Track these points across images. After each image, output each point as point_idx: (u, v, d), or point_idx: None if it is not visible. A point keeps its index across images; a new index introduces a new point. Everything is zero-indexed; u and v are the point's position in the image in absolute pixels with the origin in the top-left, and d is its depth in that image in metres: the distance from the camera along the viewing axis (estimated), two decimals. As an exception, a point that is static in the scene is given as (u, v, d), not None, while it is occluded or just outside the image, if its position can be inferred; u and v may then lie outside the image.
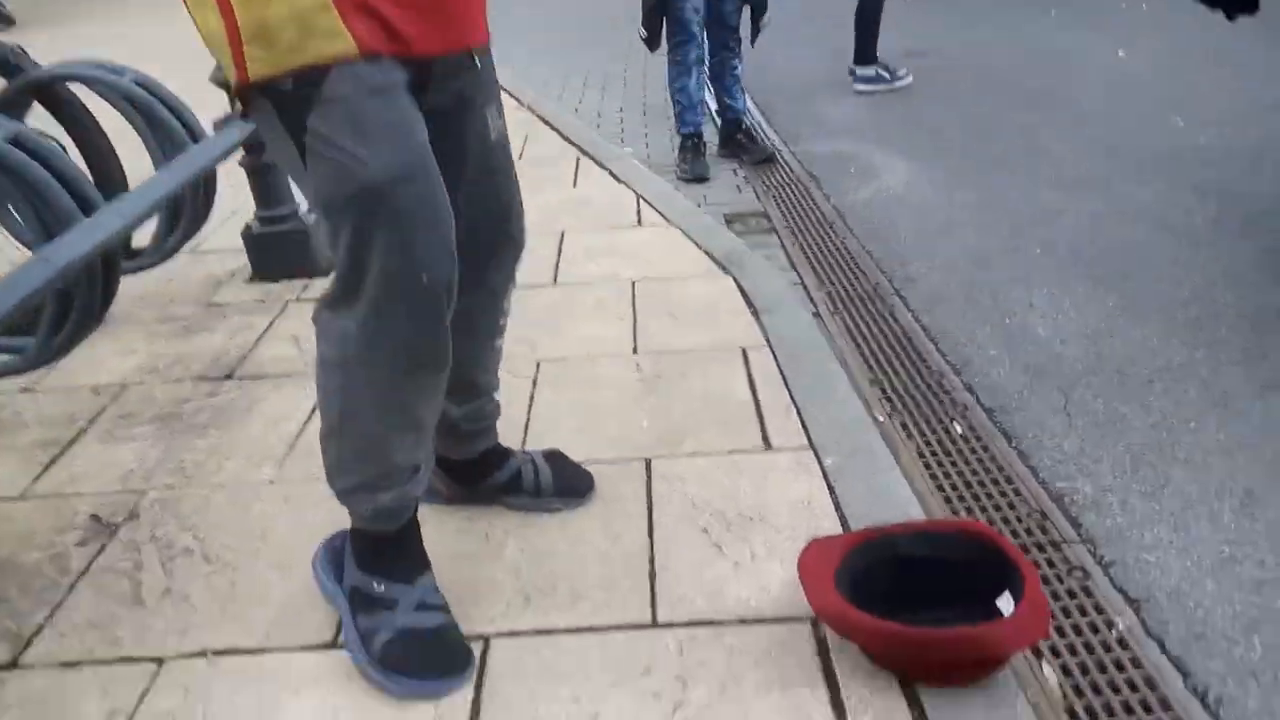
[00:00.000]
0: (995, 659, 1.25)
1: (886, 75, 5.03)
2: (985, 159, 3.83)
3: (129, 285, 2.81)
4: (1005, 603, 1.30)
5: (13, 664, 1.45)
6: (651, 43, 3.92)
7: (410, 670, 1.35)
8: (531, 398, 2.12)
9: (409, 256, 1.19)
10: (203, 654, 1.44)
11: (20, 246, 2.29)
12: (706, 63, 4.00)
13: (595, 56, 6.30)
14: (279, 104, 1.15)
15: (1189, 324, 2.43)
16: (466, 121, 1.35)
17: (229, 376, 2.28)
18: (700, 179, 3.86)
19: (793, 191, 3.71)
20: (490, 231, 1.46)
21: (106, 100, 2.31)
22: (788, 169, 3.97)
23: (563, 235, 3.08)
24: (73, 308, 1.89)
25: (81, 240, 1.77)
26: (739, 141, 4.13)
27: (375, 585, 1.41)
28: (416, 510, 1.44)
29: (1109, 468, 1.93)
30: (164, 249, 2.44)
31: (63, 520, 1.78)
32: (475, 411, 1.62)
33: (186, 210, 2.40)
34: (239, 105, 1.21)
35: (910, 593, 1.37)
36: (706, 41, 3.95)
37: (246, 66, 1.11)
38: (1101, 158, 3.70)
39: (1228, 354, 2.28)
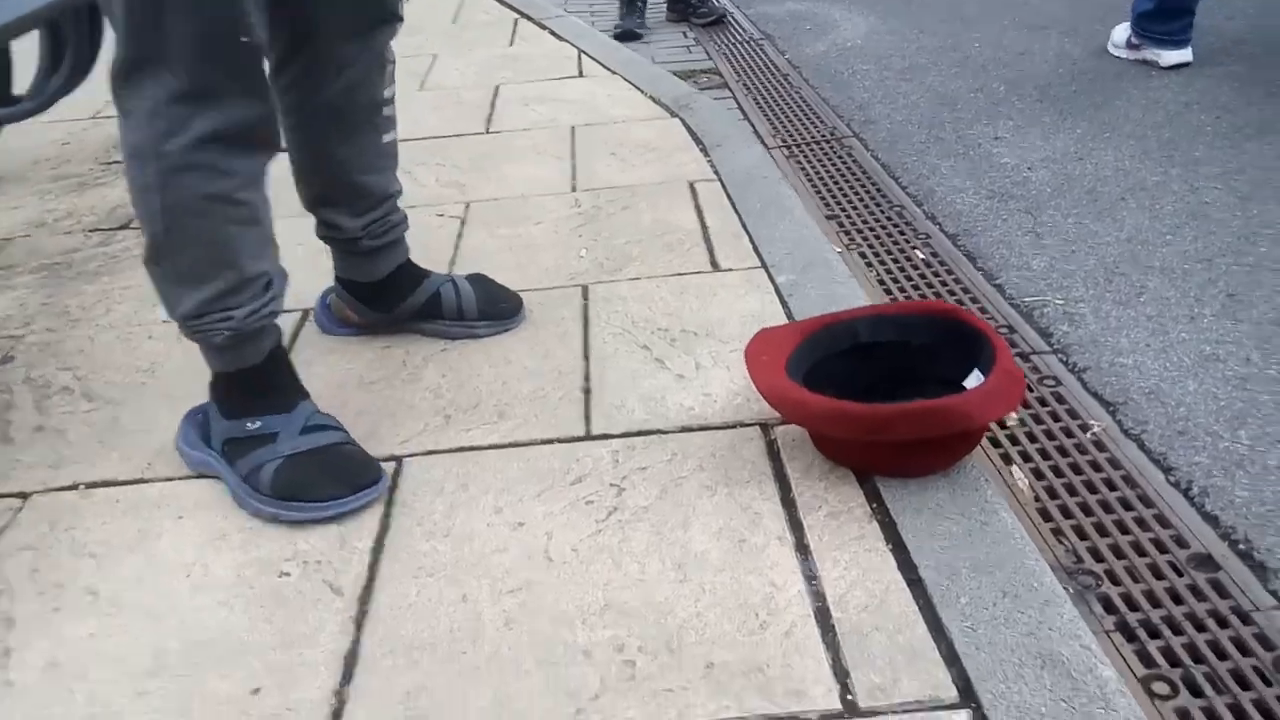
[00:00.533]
0: (962, 436, 1.11)
1: None
2: (948, 8, 3.62)
3: (20, 147, 2.56)
4: (975, 381, 1.16)
5: None
6: None
7: (310, 493, 1.18)
8: (459, 235, 1.94)
9: (219, 3, 1.00)
10: (74, 487, 1.27)
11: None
12: None
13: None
14: None
15: (1163, 145, 2.29)
16: None
17: (125, 226, 2.07)
18: (631, 36, 3.66)
19: (746, 50, 3.49)
20: (356, 7, 1.25)
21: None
22: (740, 30, 3.74)
23: (497, 88, 2.85)
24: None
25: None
26: (688, 2, 3.88)
27: (248, 425, 1.22)
28: (281, 341, 1.25)
29: (1081, 281, 1.80)
30: (47, 91, 2.19)
31: (-74, 367, 1.58)
32: (376, 223, 1.43)
33: (69, 45, 2.14)
34: None
35: (872, 384, 1.23)
36: None
37: None
38: (1070, 3, 3.50)
39: (1205, 170, 2.14)
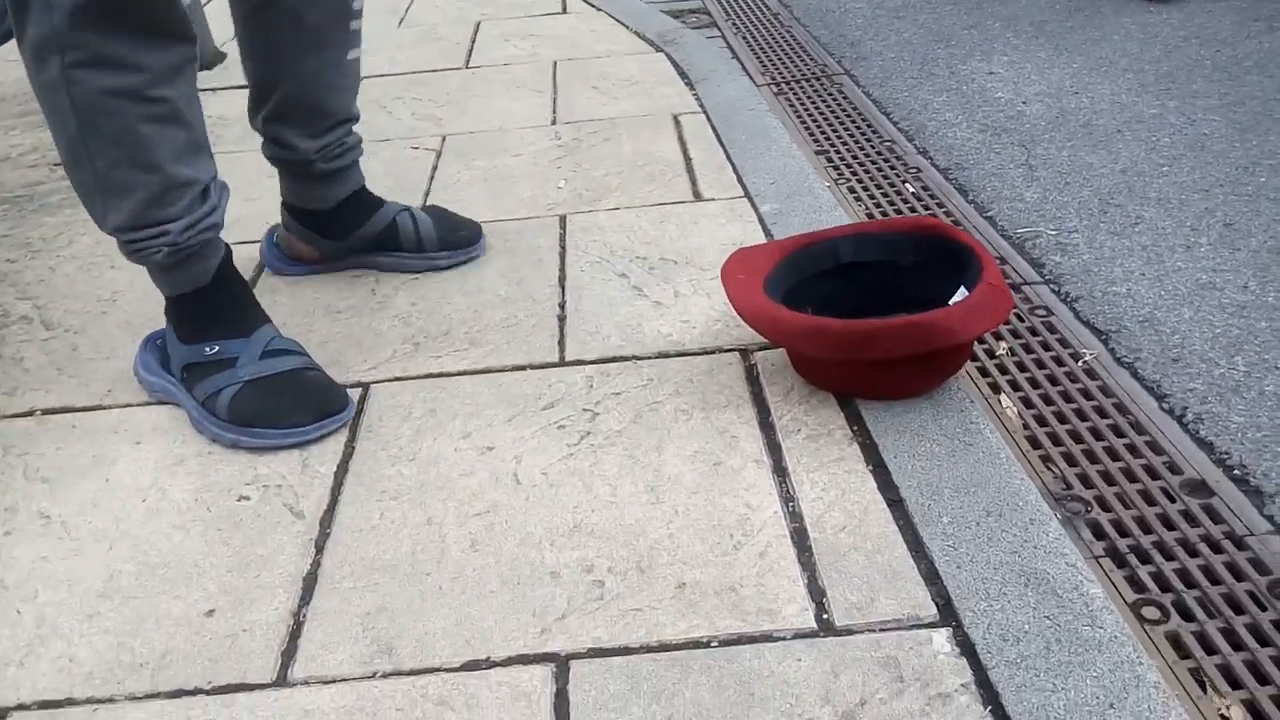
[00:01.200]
0: (947, 352, 1.07)
1: None
2: (943, -51, 3.53)
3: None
4: (960, 298, 1.11)
5: None
6: None
7: (271, 419, 1.13)
8: (434, 167, 1.88)
9: None
10: (30, 413, 1.23)
11: None
12: None
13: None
14: None
15: (1161, 78, 2.22)
16: None
17: (90, 161, 2.00)
18: None
19: (735, -12, 3.40)
20: None
21: None
22: (730, -32, 3.64)
23: (478, 25, 2.77)
24: None
25: None
26: None
27: (206, 349, 1.17)
28: (231, 260, 1.19)
29: (1075, 212, 1.75)
30: (6, 25, 2.11)
31: (-120, 298, 1.53)
32: (334, 145, 1.36)
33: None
34: None
35: (855, 305, 1.19)
36: None
37: None
38: (1067, -59, 3.41)
39: (1204, 103, 2.08)
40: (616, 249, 1.52)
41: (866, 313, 1.16)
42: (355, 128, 1.41)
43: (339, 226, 1.44)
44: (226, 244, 1.19)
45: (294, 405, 1.15)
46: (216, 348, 1.17)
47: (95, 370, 1.30)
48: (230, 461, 1.12)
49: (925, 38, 2.69)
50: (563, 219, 1.63)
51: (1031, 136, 2.04)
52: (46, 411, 1.23)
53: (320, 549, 0.98)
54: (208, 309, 1.18)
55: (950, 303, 1.13)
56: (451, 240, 1.48)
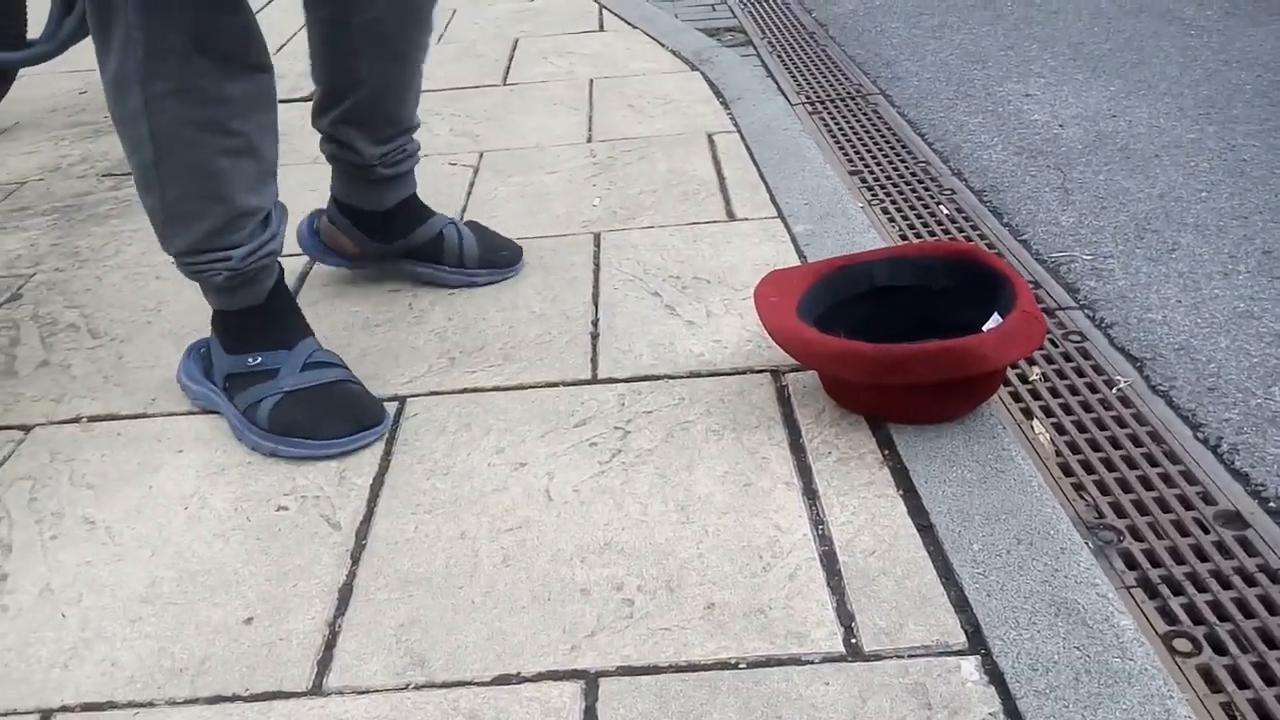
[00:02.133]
0: (980, 378, 1.07)
1: None
2: (980, -31, 3.53)
3: (38, 95, 2.55)
4: (994, 324, 1.12)
5: None
6: None
7: (309, 430, 1.15)
8: (471, 183, 1.90)
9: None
10: (77, 420, 1.26)
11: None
12: None
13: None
14: None
15: (1200, 102, 2.21)
16: None
17: (137, 172, 2.05)
18: None
19: (771, 6, 3.42)
20: None
21: None
22: (766, -13, 3.66)
23: (516, 42, 2.81)
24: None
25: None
26: None
27: (249, 360, 1.20)
28: (283, 277, 1.23)
29: (1111, 237, 1.74)
30: (60, 35, 2.17)
31: (-65, 303, 1.58)
32: (395, 151, 1.40)
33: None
34: None
35: (888, 329, 1.19)
36: None
37: None
38: (1106, -38, 3.40)
39: (1244, 128, 2.06)
40: (650, 267, 1.54)
41: (900, 337, 1.16)
42: (414, 136, 1.44)
43: (388, 230, 1.47)
44: (279, 263, 1.21)
45: (332, 417, 1.17)
46: (260, 359, 1.20)
47: (140, 379, 1.34)
48: (269, 472, 1.14)
49: (961, 59, 2.68)
50: (597, 237, 1.65)
51: (1068, 160, 2.03)
52: (93, 419, 1.26)
53: (356, 560, 1.00)
54: (255, 323, 1.21)
55: (984, 328, 1.13)
56: (492, 259, 1.51)
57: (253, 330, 1.21)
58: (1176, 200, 1.83)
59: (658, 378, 1.27)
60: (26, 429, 1.25)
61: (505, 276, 1.52)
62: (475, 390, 1.27)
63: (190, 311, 1.49)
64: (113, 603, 0.97)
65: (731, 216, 1.69)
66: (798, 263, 1.52)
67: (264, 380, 1.19)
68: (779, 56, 2.90)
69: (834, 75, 2.70)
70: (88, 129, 2.32)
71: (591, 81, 2.43)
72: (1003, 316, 1.10)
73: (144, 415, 1.26)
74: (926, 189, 2.01)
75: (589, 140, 2.08)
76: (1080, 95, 2.34)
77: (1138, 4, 2.91)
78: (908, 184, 2.04)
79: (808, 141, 1.99)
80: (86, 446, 1.21)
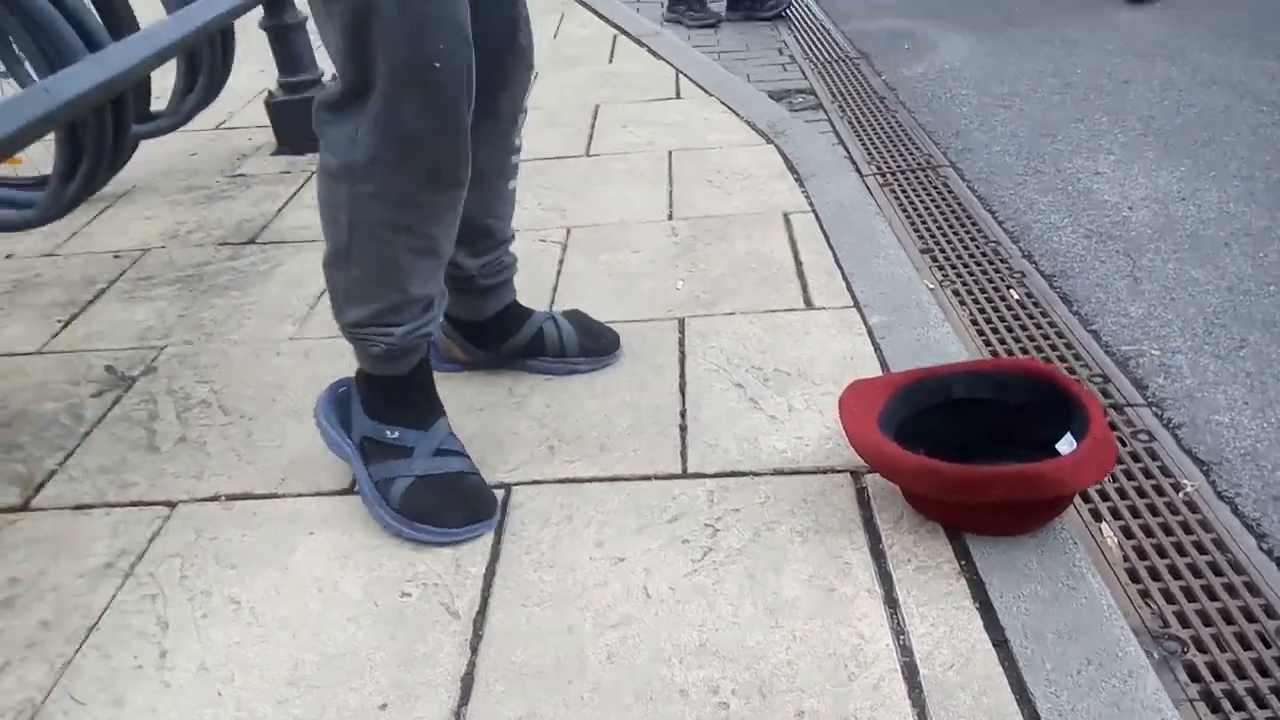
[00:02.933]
0: (1053, 500, 1.14)
1: None
2: (1049, 30, 3.58)
3: (152, 158, 2.74)
4: (1067, 445, 1.19)
5: (23, 506, 1.41)
6: None
7: (434, 517, 1.27)
8: (561, 262, 2.02)
9: (422, 41, 1.06)
10: (216, 498, 1.39)
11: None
12: None
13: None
14: None
15: (1271, 187, 2.24)
16: None
17: (252, 241, 2.21)
18: (716, 23, 4.11)
19: (842, 69, 3.50)
20: (496, 45, 1.31)
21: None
22: (836, 46, 3.75)
23: (597, 109, 2.94)
24: (83, 154, 1.80)
25: (86, 75, 1.67)
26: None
27: (388, 433, 1.32)
28: (429, 351, 1.36)
29: (1179, 330, 1.79)
30: (183, 110, 2.35)
31: (78, 374, 1.73)
32: (493, 263, 1.52)
33: (204, 67, 2.29)
34: None
35: (964, 441, 1.27)
36: None
37: None
38: (1176, 25, 3.43)
39: (1315, 217, 2.10)
40: (733, 357, 1.63)
41: (974, 448, 1.24)
42: (511, 245, 1.56)
43: (491, 337, 1.59)
44: (430, 341, 1.34)
45: (453, 507, 1.28)
46: (398, 433, 1.32)
47: (270, 458, 1.47)
48: (392, 556, 1.26)
49: (1031, 130, 2.74)
50: (681, 323, 1.75)
51: (1137, 245, 2.09)
52: (230, 497, 1.39)
53: (475, 650, 1.11)
54: (397, 396, 1.33)
55: (1057, 447, 1.20)
56: (592, 348, 1.62)
57: (394, 401, 1.33)
58: (1245, 294, 1.87)
59: (744, 474, 1.36)
60: (171, 505, 1.39)
61: (604, 364, 1.63)
62: (574, 481, 1.37)
63: (309, 389, 1.62)
64: (261, 684, 1.09)
65: (809, 304, 1.78)
66: (874, 357, 1.60)
67: (399, 457, 1.31)
68: (850, 123, 2.99)
69: (904, 145, 2.77)
70: (200, 194, 2.50)
71: (670, 154, 2.55)
72: (1076, 439, 1.17)
73: (276, 495, 1.39)
74: (997, 270, 2.08)
75: (670, 217, 2.19)
76: (1150, 174, 2.39)
77: (1209, 75, 2.94)
78: (978, 264, 2.11)
79: (881, 225, 2.07)
80: (227, 525, 1.34)
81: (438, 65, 1.07)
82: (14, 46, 1.88)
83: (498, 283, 1.54)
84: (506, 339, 1.60)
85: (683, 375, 1.60)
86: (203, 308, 1.93)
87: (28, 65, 2.07)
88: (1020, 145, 2.66)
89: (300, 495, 1.38)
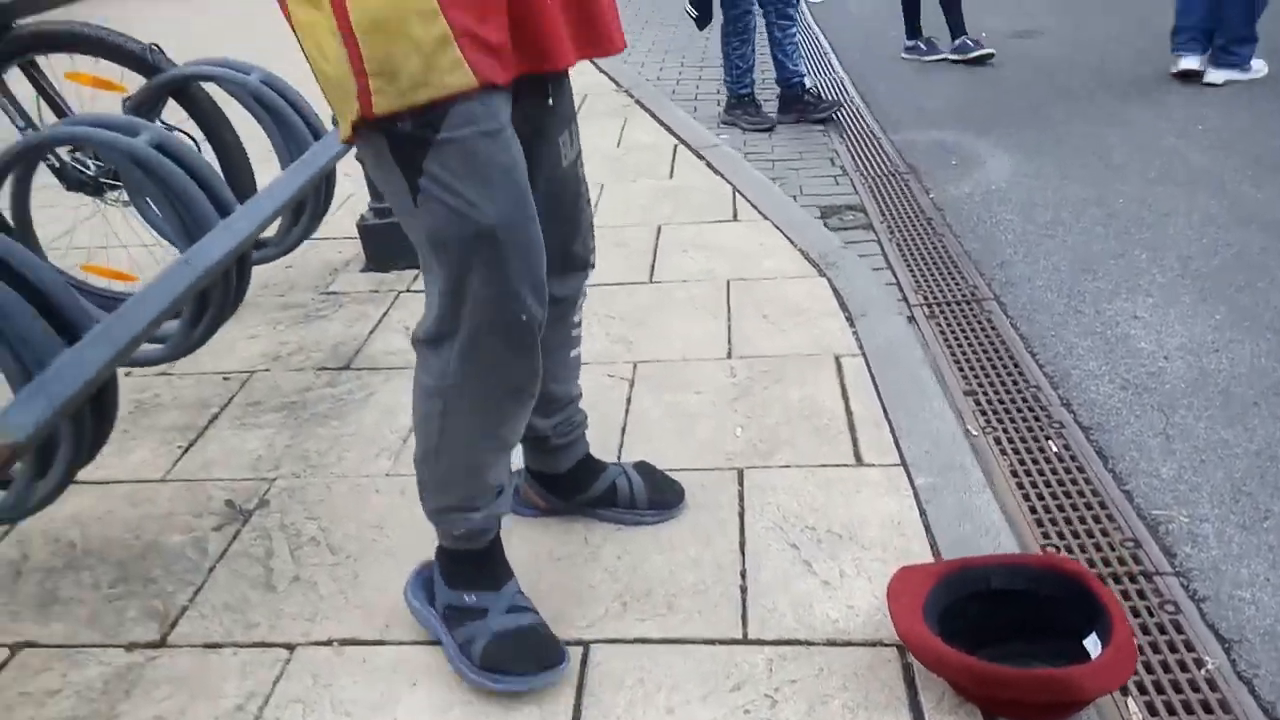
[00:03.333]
0: (1078, 702, 1.28)
1: (923, 48, 5.29)
2: (1095, 152, 3.72)
3: (253, 272, 2.98)
4: (1093, 645, 1.33)
5: (161, 642, 1.60)
6: (701, 21, 4.28)
7: (509, 668, 1.44)
8: (629, 400, 2.20)
9: (509, 296, 1.26)
10: (329, 643, 1.57)
11: (156, 236, 2.47)
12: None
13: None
14: (395, 143, 1.18)
15: (1303, 344, 2.36)
16: (541, 151, 1.39)
17: (346, 367, 2.42)
18: (770, 127, 4.33)
19: (891, 183, 3.68)
20: (557, 251, 1.48)
21: (234, 98, 2.44)
22: (886, 158, 3.93)
23: (659, 229, 3.13)
24: (210, 303, 2.03)
25: (219, 243, 1.90)
26: (806, 102, 4.42)
27: (466, 598, 1.50)
28: (499, 529, 1.53)
29: (1207, 496, 1.92)
30: (287, 242, 2.58)
31: (199, 504, 1.94)
32: (564, 423, 1.69)
33: (309, 206, 2.53)
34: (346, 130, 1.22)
35: (1000, 625, 1.41)
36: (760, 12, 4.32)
37: (372, 100, 1.13)
38: (1219, 154, 3.55)
39: (1343, 379, 2.21)
40: (788, 514, 1.79)
41: (1010, 633, 1.39)
42: (579, 402, 1.73)
43: (567, 489, 1.77)
44: (500, 520, 1.52)
45: (525, 658, 1.46)
46: (474, 598, 1.50)
47: (374, 602, 1.65)
48: (484, 713, 1.43)
49: (1073, 265, 2.88)
50: (740, 474, 1.92)
51: (1171, 400, 2.21)
52: (342, 642, 1.57)
53: (562, 812, 1.27)
54: (473, 565, 1.52)
55: (1085, 644, 1.34)
56: (660, 501, 1.79)
57: (471, 570, 1.51)
58: (1272, 459, 1.99)
59: (800, 643, 1.51)
60: (290, 648, 1.57)
61: (670, 516, 1.79)
62: (646, 642, 1.53)
63: (405, 530, 1.81)
64: (379, 834, 1.26)
65: (860, 460, 1.93)
66: (919, 523, 1.75)
67: (476, 619, 1.49)
68: (898, 246, 3.15)
69: (951, 274, 2.93)
70: (298, 312, 2.72)
71: (729, 283, 2.73)
72: (1101, 639, 1.31)
73: (382, 642, 1.57)
74: (1037, 419, 2.22)
75: (729, 354, 2.36)
76: (1186, 321, 2.51)
77: (1248, 211, 3.06)
78: (1019, 411, 2.25)
79: (928, 374, 2.22)
80: (340, 672, 1.52)
81: (523, 318, 1.27)
82: (150, 203, 2.11)
83: (570, 440, 1.72)
84: (581, 491, 1.77)
85: (742, 531, 1.76)
86: (306, 437, 2.13)
87: (148, 199, 2.32)
88: (1062, 280, 2.80)
89: (402, 643, 1.56)
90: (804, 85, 4.41)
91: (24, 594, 1.73)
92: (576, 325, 1.65)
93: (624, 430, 2.09)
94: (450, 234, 1.23)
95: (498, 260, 1.24)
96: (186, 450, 2.12)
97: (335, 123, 2.19)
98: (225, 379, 2.40)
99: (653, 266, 2.88)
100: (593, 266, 1.60)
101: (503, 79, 1.19)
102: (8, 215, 2.44)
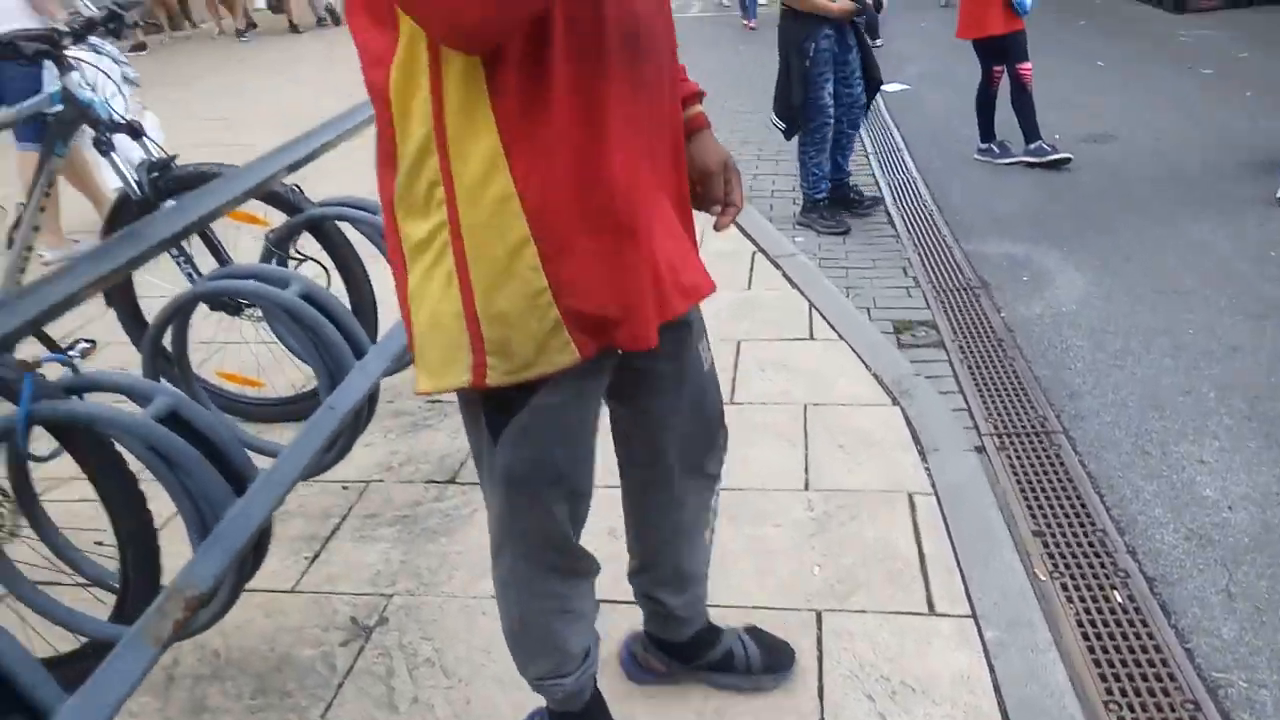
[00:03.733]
0: None
1: (996, 150, 5.46)
2: (1166, 274, 3.82)
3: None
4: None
5: (302, 757, 1.81)
6: (789, 131, 4.50)
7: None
8: (713, 529, 2.36)
9: (560, 534, 1.48)
10: (447, 768, 1.76)
11: (294, 359, 2.73)
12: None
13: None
14: (490, 397, 1.33)
15: (1368, 503, 2.43)
16: (685, 360, 1.56)
17: (452, 480, 2.64)
18: (845, 231, 4.58)
19: (962, 299, 3.81)
20: (711, 414, 1.67)
21: (361, 233, 2.71)
22: (958, 270, 4.07)
23: (739, 346, 3.32)
24: (342, 432, 2.26)
25: (357, 386, 2.14)
26: (851, 199, 4.77)
27: None
28: (596, 685, 1.70)
29: (1266, 661, 2.00)
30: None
31: (326, 618, 2.15)
32: (691, 599, 1.83)
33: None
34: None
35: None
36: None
37: (486, 375, 1.26)
38: (1290, 283, 3.63)
39: (1407, 544, 2.28)
40: (864, 663, 1.93)
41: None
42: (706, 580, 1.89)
43: (687, 655, 1.90)
44: (594, 678, 1.69)
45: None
46: None
47: (486, 730, 1.84)
48: None
49: (1141, 400, 2.98)
50: (819, 616, 2.06)
51: (1234, 555, 2.31)
52: (459, 770, 1.76)
53: None
54: None
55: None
56: (773, 664, 1.90)
57: None
58: (1334, 626, 2.07)
59: (874, 797, 1.65)
60: (414, 771, 1.76)
61: (785, 679, 1.91)
62: (733, 785, 1.69)
63: (509, 657, 1.99)
64: None
65: (932, 608, 2.07)
66: (988, 679, 1.88)
67: None
68: (969, 367, 3.28)
69: (1021, 402, 3.05)
70: (407, 420, 2.96)
71: (805, 408, 2.89)
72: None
73: (493, 772, 1.75)
74: (1103, 565, 2.32)
75: (806, 486, 2.52)
76: (1251, 469, 2.60)
77: (1318, 349, 3.13)
78: (1086, 556, 2.36)
79: (998, 519, 2.35)
80: (459, 799, 1.70)
81: (571, 539, 1.49)
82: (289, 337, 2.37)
83: (694, 614, 1.86)
84: (700, 657, 1.90)
85: (821, 679, 1.90)
86: (418, 554, 2.34)
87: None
88: (1130, 417, 2.90)
89: (513, 774, 1.74)
90: (848, 183, 4.79)
91: (176, 701, 1.96)
92: (715, 509, 1.80)
93: (706, 562, 2.25)
94: (519, 475, 1.40)
95: (563, 500, 1.44)
96: (312, 561, 2.35)
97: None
98: (345, 488, 2.63)
99: (733, 386, 3.06)
100: (726, 450, 1.75)
101: (602, 346, 1.32)
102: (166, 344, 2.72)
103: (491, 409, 1.36)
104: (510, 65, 1.15)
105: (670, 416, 1.57)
